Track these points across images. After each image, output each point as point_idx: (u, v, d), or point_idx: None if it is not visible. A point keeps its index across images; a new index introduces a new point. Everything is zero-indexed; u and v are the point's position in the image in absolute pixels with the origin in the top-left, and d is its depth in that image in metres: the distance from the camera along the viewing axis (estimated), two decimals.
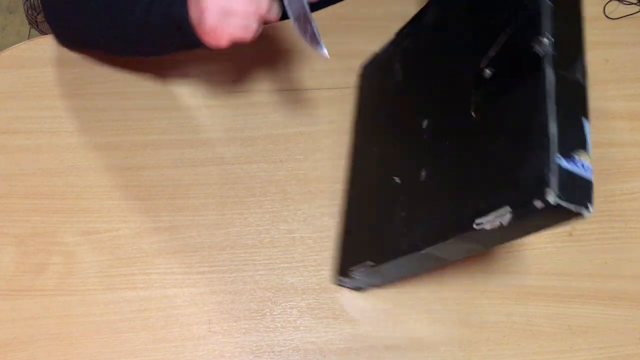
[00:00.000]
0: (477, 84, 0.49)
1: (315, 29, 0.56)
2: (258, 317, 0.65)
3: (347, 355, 0.63)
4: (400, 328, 0.64)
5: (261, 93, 0.77)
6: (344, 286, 0.67)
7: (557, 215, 0.40)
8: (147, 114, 0.75)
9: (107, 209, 0.69)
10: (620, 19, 0.86)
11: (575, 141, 0.44)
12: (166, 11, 0.58)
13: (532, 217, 0.41)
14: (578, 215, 0.40)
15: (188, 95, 0.77)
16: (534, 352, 0.64)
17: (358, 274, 0.61)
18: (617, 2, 0.87)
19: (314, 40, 0.56)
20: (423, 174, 0.52)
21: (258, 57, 0.78)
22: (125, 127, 0.74)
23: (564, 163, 0.42)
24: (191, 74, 0.78)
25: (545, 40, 0.43)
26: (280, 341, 0.64)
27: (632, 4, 0.87)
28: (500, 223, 0.42)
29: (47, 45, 0.79)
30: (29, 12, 0.95)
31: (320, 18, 0.82)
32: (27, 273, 0.65)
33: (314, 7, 0.82)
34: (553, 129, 0.42)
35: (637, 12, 0.87)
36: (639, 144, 0.77)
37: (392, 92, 0.66)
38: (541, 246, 0.69)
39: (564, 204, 0.39)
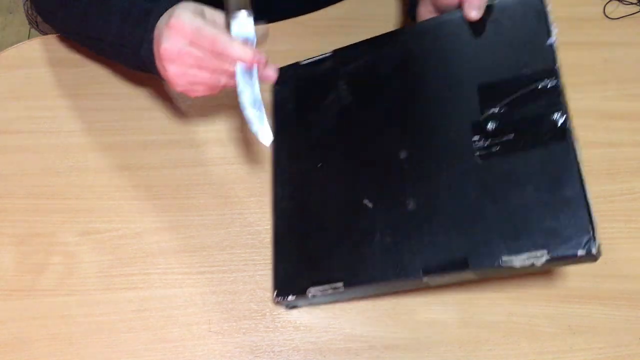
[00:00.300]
0: (477, 132, 0.55)
1: (265, 118, 0.58)
2: (258, 317, 0.65)
3: (347, 355, 0.63)
4: (400, 328, 0.64)
5: (261, 93, 0.77)
6: (287, 306, 0.64)
7: (581, 260, 0.50)
8: (147, 114, 0.75)
9: (107, 209, 0.69)
10: (620, 19, 0.86)
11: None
12: (136, 50, 0.61)
13: (563, 261, 0.51)
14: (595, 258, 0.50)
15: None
16: (534, 352, 0.64)
17: (319, 293, 0.59)
18: (617, 2, 0.87)
19: (263, 129, 0.58)
20: (411, 203, 0.57)
21: None
22: (125, 127, 0.74)
23: (594, 219, 0.51)
24: None
25: (565, 115, 0.53)
26: (280, 341, 0.64)
27: (632, 4, 0.87)
28: (533, 263, 0.50)
29: (47, 45, 0.79)
30: (29, 12, 0.95)
31: (319, 18, 0.83)
32: (27, 273, 0.65)
33: (314, 7, 0.82)
34: (588, 193, 0.52)
35: (637, 12, 0.87)
36: (639, 144, 0.77)
37: (340, 111, 0.64)
38: None
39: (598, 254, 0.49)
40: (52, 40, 0.80)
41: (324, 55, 0.68)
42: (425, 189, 0.57)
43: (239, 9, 0.58)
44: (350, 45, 0.67)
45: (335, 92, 0.65)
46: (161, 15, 0.59)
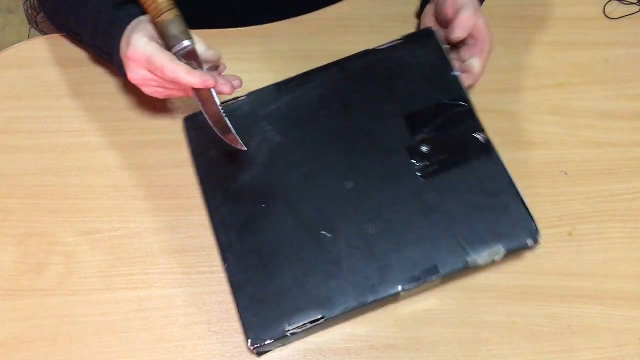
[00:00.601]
0: (414, 156, 0.64)
1: (233, 130, 0.62)
2: None
3: (347, 355, 0.63)
4: (400, 328, 0.64)
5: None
6: (260, 352, 0.62)
7: (530, 248, 0.62)
8: (147, 114, 0.75)
9: (107, 209, 0.69)
10: (620, 19, 0.86)
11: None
12: (110, 59, 0.66)
13: (516, 253, 0.62)
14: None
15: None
16: (534, 352, 0.64)
17: (298, 330, 0.58)
18: (617, 2, 0.87)
19: (235, 140, 0.62)
20: (370, 227, 0.61)
21: (257, 58, 0.78)
22: (125, 127, 0.74)
23: (531, 212, 0.62)
24: None
25: (484, 133, 0.65)
26: None
27: (632, 4, 0.87)
28: (494, 259, 0.60)
29: (47, 45, 0.79)
30: (29, 12, 0.95)
31: (319, 18, 0.83)
32: (27, 273, 0.65)
33: (314, 7, 0.82)
34: (521, 192, 0.63)
35: (637, 12, 0.87)
36: (639, 144, 0.77)
37: (271, 152, 0.65)
38: (541, 246, 0.69)
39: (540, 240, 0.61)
40: (52, 40, 0.80)
41: (238, 99, 0.68)
42: (380, 213, 0.62)
43: (181, 41, 0.59)
44: (265, 87, 0.69)
45: (260, 134, 0.66)
46: (124, 30, 0.63)
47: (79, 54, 0.79)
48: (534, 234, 0.61)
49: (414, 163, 0.64)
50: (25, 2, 0.95)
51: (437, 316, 0.65)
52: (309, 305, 0.59)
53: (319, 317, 0.59)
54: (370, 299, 0.59)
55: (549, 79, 0.81)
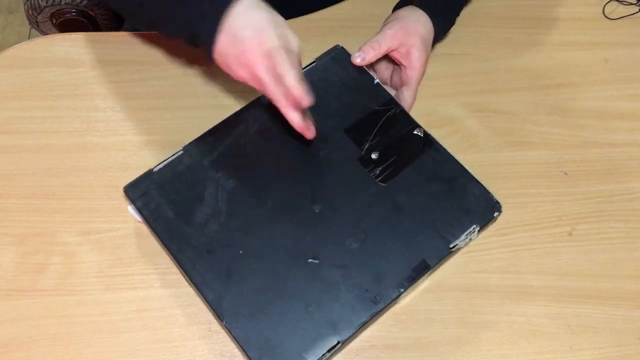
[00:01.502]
0: (368, 164, 0.66)
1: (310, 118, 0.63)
2: None
3: (347, 355, 0.63)
4: (400, 328, 0.64)
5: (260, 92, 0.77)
6: None
7: (496, 218, 0.65)
8: (147, 114, 0.75)
9: (107, 209, 0.69)
10: (619, 19, 0.86)
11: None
12: (192, 22, 0.60)
13: (488, 224, 0.65)
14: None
15: (188, 96, 0.77)
16: (534, 352, 0.64)
17: None
18: (616, 2, 0.87)
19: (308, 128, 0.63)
20: (352, 242, 0.62)
21: None
22: (125, 127, 0.74)
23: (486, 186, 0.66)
24: (191, 74, 0.78)
25: (420, 128, 0.68)
26: None
27: (632, 4, 0.87)
28: (471, 238, 0.63)
29: (47, 45, 0.79)
30: (30, 12, 0.96)
31: (319, 19, 0.83)
32: (27, 273, 0.65)
33: (314, 7, 0.82)
34: (470, 171, 0.66)
35: (637, 12, 0.87)
36: (639, 144, 0.77)
37: (228, 198, 0.64)
38: (541, 246, 0.69)
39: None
40: (52, 40, 0.80)
41: (175, 155, 0.66)
42: (356, 226, 0.63)
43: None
44: (200, 136, 0.67)
45: (212, 182, 0.64)
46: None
47: (79, 54, 0.79)
48: (497, 205, 0.65)
49: (369, 171, 0.65)
50: (25, 2, 0.95)
51: (437, 316, 0.65)
52: (320, 335, 0.58)
53: (335, 342, 0.58)
54: (377, 308, 0.59)
55: (549, 79, 0.81)
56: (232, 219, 0.63)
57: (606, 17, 0.86)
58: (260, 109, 0.69)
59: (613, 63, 0.82)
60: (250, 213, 0.63)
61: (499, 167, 0.74)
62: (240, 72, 0.60)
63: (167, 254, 0.63)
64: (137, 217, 0.65)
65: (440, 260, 0.62)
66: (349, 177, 0.65)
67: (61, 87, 0.77)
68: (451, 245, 0.62)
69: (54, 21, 0.96)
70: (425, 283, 0.66)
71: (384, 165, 0.66)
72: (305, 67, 0.71)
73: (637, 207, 0.72)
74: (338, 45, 0.74)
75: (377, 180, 0.65)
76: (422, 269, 0.61)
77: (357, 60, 0.70)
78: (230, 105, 0.75)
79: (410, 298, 0.65)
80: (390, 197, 0.64)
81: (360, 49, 0.71)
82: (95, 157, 0.72)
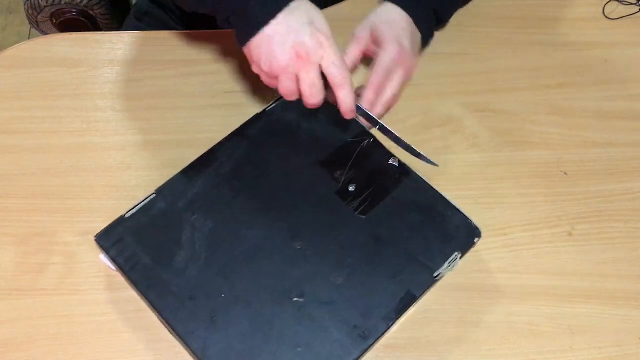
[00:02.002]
0: (346, 197, 0.65)
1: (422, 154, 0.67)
2: None
3: None
4: (400, 328, 0.64)
5: (261, 92, 0.77)
6: None
7: (475, 243, 0.64)
8: (147, 114, 0.75)
9: (107, 209, 0.69)
10: (619, 19, 0.86)
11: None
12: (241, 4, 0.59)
13: (469, 250, 0.64)
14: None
15: (188, 96, 0.77)
16: (534, 352, 0.64)
17: None
18: (616, 2, 0.88)
19: (425, 159, 0.67)
20: (338, 279, 0.61)
21: None
22: (125, 127, 0.74)
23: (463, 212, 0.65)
24: (191, 74, 0.78)
25: (395, 157, 0.68)
26: None
27: (632, 4, 0.87)
28: (453, 265, 0.62)
29: (47, 45, 0.79)
30: (30, 12, 0.96)
31: None
32: (27, 273, 0.65)
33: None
34: (448, 197, 0.66)
35: (637, 12, 0.87)
36: (639, 144, 0.77)
37: (208, 238, 0.62)
38: (541, 246, 0.69)
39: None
40: (52, 40, 0.80)
41: (147, 199, 0.64)
42: (340, 261, 0.62)
43: None
44: (171, 179, 0.65)
45: (188, 225, 0.63)
46: None
47: (79, 54, 0.79)
48: (477, 232, 0.64)
49: (347, 204, 0.65)
50: (25, 2, 0.95)
51: (437, 316, 0.65)
52: None
53: None
54: (367, 344, 0.58)
55: (549, 79, 0.81)
56: (212, 263, 0.61)
57: (606, 17, 0.86)
58: (232, 148, 0.67)
59: (613, 63, 0.82)
60: (230, 255, 0.61)
61: (499, 167, 0.74)
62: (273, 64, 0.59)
63: (146, 304, 0.61)
64: (111, 265, 0.63)
65: (426, 290, 0.62)
66: (327, 212, 0.64)
67: (61, 87, 0.77)
68: (435, 274, 0.62)
69: (54, 21, 0.96)
70: (412, 310, 0.64)
71: (361, 198, 0.65)
72: (274, 102, 0.70)
73: (637, 207, 0.72)
74: None
75: (356, 213, 0.64)
76: (408, 300, 0.60)
77: None
78: (230, 105, 0.75)
79: None
80: (370, 230, 0.64)
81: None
82: (95, 157, 0.72)
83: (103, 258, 0.64)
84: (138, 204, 0.64)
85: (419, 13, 0.72)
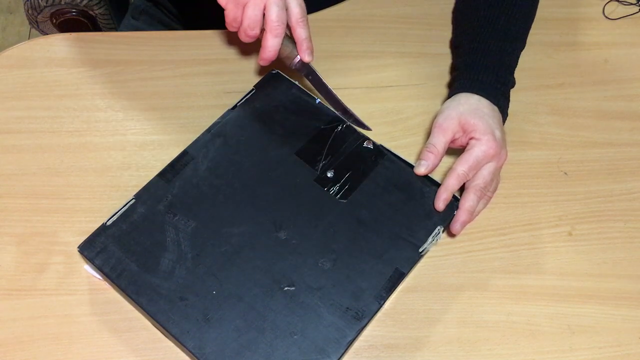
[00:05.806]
0: (325, 183, 0.66)
1: (357, 117, 0.70)
2: None
3: (347, 355, 0.63)
4: (400, 328, 0.64)
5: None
6: None
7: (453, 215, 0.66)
8: (147, 114, 0.75)
9: (107, 209, 0.69)
10: (619, 19, 0.86)
11: None
12: None
13: (448, 224, 0.66)
14: None
15: (188, 96, 0.77)
16: (534, 352, 0.64)
17: None
18: (616, 2, 0.88)
19: (359, 123, 0.70)
20: (325, 264, 0.62)
21: (256, 58, 0.78)
22: (124, 127, 0.74)
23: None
24: (191, 74, 0.78)
25: (369, 140, 0.69)
26: None
27: (632, 4, 0.87)
28: (437, 239, 0.64)
29: (47, 45, 0.79)
30: (30, 12, 0.96)
31: (319, 19, 0.83)
32: (28, 273, 0.65)
33: (314, 7, 0.83)
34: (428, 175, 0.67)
35: (637, 12, 0.87)
36: (639, 144, 0.77)
37: (191, 239, 0.62)
38: (541, 246, 0.69)
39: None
40: (52, 40, 0.80)
41: (127, 204, 0.64)
42: (325, 246, 0.63)
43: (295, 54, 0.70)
44: (148, 182, 0.65)
45: (171, 227, 0.63)
46: None
47: (79, 54, 0.79)
48: (456, 203, 0.66)
49: (327, 190, 0.66)
50: (25, 2, 0.95)
51: (437, 316, 0.65)
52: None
53: None
54: (362, 324, 0.59)
55: (549, 79, 0.81)
56: (199, 262, 0.61)
57: (606, 17, 0.86)
58: (206, 145, 0.68)
59: (613, 63, 0.82)
60: (217, 252, 0.62)
61: None
62: None
63: (137, 309, 0.61)
64: (96, 275, 0.63)
65: (413, 265, 0.63)
66: (308, 199, 0.65)
67: (61, 87, 0.77)
68: (420, 250, 0.63)
69: (54, 21, 0.96)
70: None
71: (340, 183, 0.66)
72: (245, 96, 0.71)
73: (637, 207, 0.72)
74: (274, 70, 0.73)
75: (336, 198, 0.65)
76: (397, 278, 0.61)
77: (422, 170, 0.66)
78: (230, 105, 0.75)
79: (410, 298, 0.65)
80: (352, 213, 0.64)
81: (420, 158, 0.67)
82: (95, 157, 0.72)
83: (88, 269, 0.64)
84: (118, 211, 0.64)
85: (500, 98, 0.70)
